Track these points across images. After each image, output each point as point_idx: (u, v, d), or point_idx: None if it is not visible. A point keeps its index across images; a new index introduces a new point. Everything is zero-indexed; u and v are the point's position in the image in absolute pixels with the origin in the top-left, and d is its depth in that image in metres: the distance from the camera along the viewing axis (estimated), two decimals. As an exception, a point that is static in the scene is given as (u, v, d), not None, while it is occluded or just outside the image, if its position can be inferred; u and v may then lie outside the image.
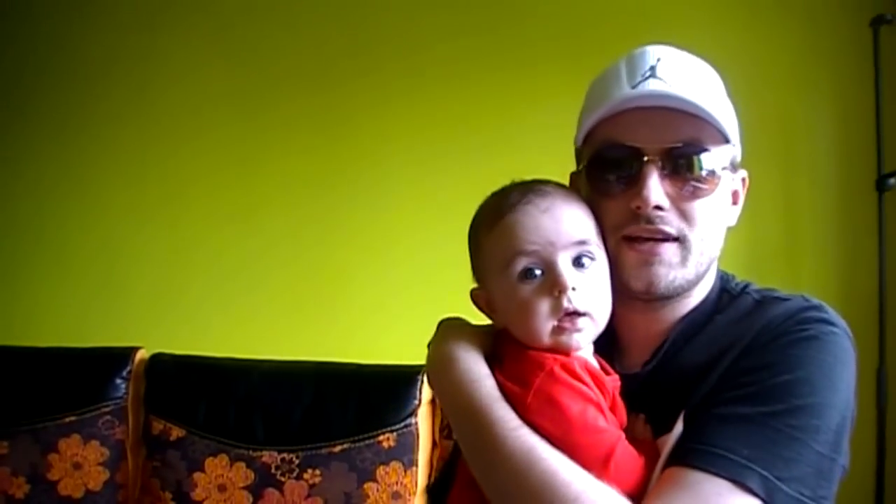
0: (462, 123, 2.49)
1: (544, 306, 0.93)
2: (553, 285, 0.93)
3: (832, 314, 0.97)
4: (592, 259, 0.95)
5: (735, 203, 1.06)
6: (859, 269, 2.31)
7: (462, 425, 0.95)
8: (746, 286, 1.06)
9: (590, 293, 0.94)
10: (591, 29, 2.42)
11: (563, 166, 1.07)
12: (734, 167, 1.04)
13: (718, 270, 1.06)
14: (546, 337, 0.93)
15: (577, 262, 0.94)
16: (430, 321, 1.05)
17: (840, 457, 0.91)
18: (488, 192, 1.02)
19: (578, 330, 0.93)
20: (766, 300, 1.01)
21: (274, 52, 2.61)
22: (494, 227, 0.96)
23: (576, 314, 0.93)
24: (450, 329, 1.03)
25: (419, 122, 2.53)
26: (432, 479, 1.96)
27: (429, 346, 1.03)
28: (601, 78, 1.05)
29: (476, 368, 0.95)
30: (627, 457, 0.89)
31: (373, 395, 2.03)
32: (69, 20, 2.69)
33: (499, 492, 0.89)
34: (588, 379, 0.91)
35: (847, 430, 0.93)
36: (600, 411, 0.90)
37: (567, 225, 0.95)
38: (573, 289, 0.92)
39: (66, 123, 2.68)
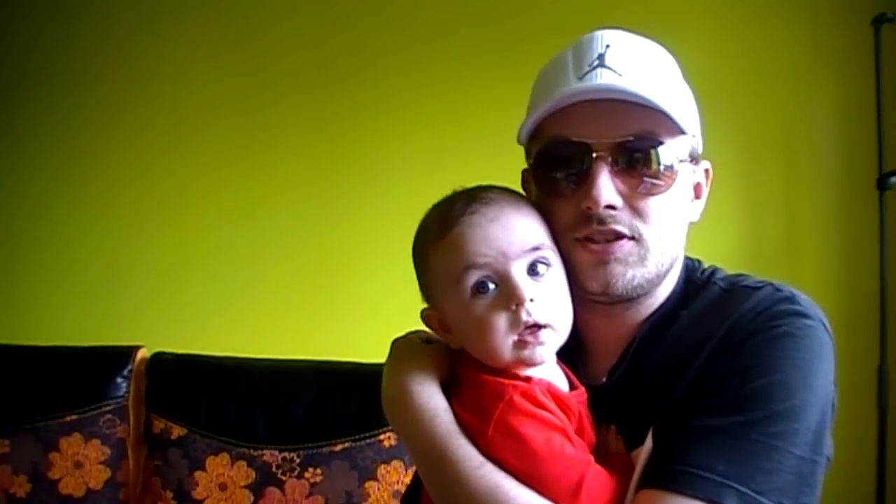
0: (461, 120, 2.48)
1: (502, 322, 0.87)
2: (509, 298, 0.86)
3: (805, 303, 0.92)
4: (548, 265, 0.89)
5: (698, 197, 1.00)
6: (860, 267, 2.30)
7: (422, 464, 0.91)
8: (713, 273, 1.00)
9: (549, 303, 0.88)
10: (590, 27, 2.41)
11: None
12: (694, 159, 0.97)
13: (685, 259, 1.00)
14: (507, 354, 0.87)
15: (533, 271, 0.88)
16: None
17: (821, 456, 0.88)
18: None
19: (541, 343, 0.87)
20: (734, 289, 0.96)
21: (272, 51, 2.61)
22: (440, 241, 0.91)
23: (536, 327, 0.87)
24: (403, 356, 0.97)
25: (419, 119, 2.52)
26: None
27: (384, 366, 0.98)
28: (547, 68, 0.98)
29: (432, 403, 0.90)
30: (599, 482, 0.85)
31: (374, 394, 1.97)
32: (68, 18, 2.68)
33: None
34: (551, 404, 0.86)
35: (828, 425, 0.89)
36: (566, 437, 0.85)
37: (518, 232, 0.89)
38: (531, 300, 0.86)
39: (66, 121, 2.67)
